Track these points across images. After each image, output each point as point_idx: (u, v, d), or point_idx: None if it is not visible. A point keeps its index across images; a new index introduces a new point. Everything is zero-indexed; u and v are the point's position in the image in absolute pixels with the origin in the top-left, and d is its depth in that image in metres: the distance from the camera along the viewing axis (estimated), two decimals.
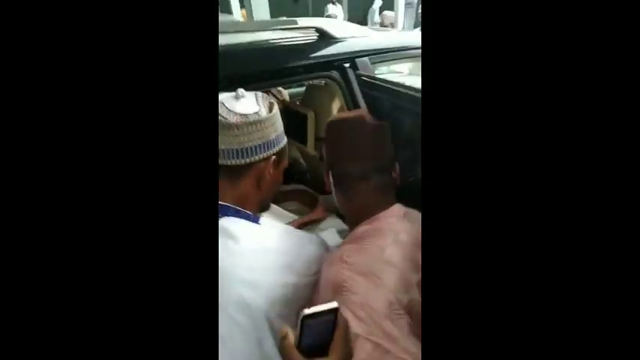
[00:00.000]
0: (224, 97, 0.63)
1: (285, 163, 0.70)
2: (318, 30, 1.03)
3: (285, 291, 0.61)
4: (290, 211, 1.19)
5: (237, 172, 0.63)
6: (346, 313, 0.51)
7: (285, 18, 1.15)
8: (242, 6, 5.75)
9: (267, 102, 0.65)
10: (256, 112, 0.61)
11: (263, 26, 1.16)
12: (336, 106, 1.13)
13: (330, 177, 0.73)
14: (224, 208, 0.63)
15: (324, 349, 0.40)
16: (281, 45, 0.96)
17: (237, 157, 0.61)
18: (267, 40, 0.96)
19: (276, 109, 0.65)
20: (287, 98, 1.92)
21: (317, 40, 1.01)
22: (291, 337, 0.39)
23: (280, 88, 2.01)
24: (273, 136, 0.64)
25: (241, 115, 0.60)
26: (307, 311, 0.37)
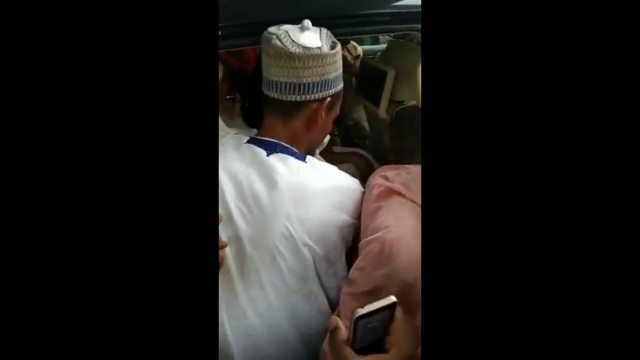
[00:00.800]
0: (288, 27, 0.61)
1: (337, 110, 0.67)
2: None
3: (329, 230, 0.60)
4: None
5: (289, 108, 0.61)
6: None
7: None
8: None
9: (331, 40, 0.62)
10: (319, 47, 0.58)
11: None
12: (420, 68, 1.01)
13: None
14: (272, 145, 0.62)
15: (380, 345, 0.37)
16: None
17: (294, 92, 0.59)
18: None
19: (338, 47, 0.61)
20: (361, 54, 1.79)
21: None
22: (343, 330, 0.36)
23: (354, 43, 1.88)
24: (332, 75, 0.61)
25: (304, 47, 0.58)
26: (362, 311, 0.34)
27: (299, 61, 0.57)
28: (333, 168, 0.68)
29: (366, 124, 1.48)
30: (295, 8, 0.78)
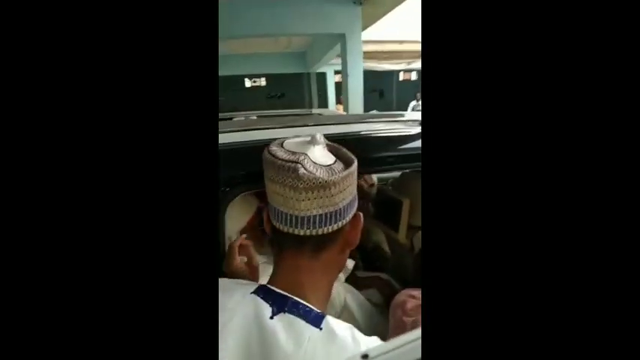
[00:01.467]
0: (297, 144, 0.51)
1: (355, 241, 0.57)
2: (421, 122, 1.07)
3: None
4: (369, 300, 1.10)
5: (323, 242, 0.50)
6: None
7: (387, 112, 1.23)
8: (338, 101, 6.51)
9: (350, 157, 0.53)
10: (349, 169, 0.49)
11: (373, 117, 1.26)
12: None
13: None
14: (280, 300, 0.48)
15: None
16: (382, 136, 1.01)
17: (331, 223, 0.48)
18: (374, 130, 1.02)
19: (352, 172, 0.52)
20: (375, 182, 1.95)
21: (419, 133, 1.05)
22: None
23: (371, 175, 2.08)
24: (356, 191, 0.53)
25: (330, 169, 0.48)
26: None
27: (335, 187, 0.47)
28: (353, 335, 0.47)
29: (386, 247, 1.50)
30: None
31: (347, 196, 0.49)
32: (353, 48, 3.39)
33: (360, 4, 3.26)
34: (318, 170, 0.47)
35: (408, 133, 1.03)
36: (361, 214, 0.54)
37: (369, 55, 6.08)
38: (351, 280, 0.95)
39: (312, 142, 0.51)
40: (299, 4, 3.25)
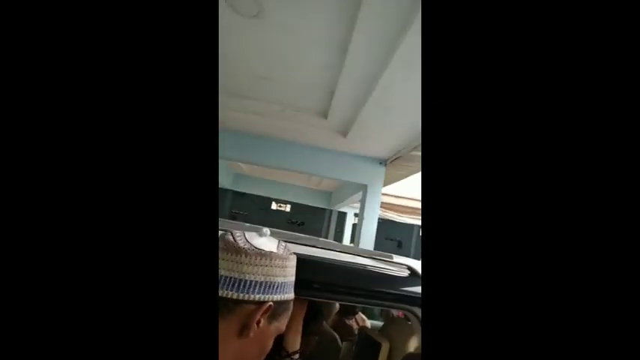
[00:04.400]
0: (248, 233, 0.58)
1: (282, 326, 0.58)
2: (409, 268, 1.17)
3: None
4: None
5: (224, 308, 0.50)
6: None
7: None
8: (352, 240, 6.70)
9: (286, 250, 0.59)
10: (270, 250, 0.55)
11: (364, 253, 1.38)
12: (413, 344, 1.08)
13: None
14: None
15: None
16: (374, 271, 1.11)
17: (232, 288, 0.50)
18: (364, 264, 1.13)
19: (293, 259, 0.58)
20: (368, 326, 1.88)
21: (407, 277, 1.13)
22: None
23: (363, 316, 2.02)
24: (279, 280, 0.55)
25: (255, 247, 0.54)
26: None
27: (245, 256, 0.52)
28: None
29: None
30: (318, 274, 0.93)
31: (257, 272, 0.52)
32: (372, 197, 3.79)
33: (384, 165, 3.82)
34: (243, 242, 0.54)
35: (393, 274, 1.12)
36: (273, 306, 0.53)
37: (390, 207, 6.57)
38: None
39: (259, 233, 0.59)
40: (336, 156, 3.88)
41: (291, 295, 0.60)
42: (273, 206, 9.70)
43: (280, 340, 0.87)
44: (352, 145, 3.44)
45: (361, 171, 3.78)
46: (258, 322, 0.53)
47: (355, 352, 1.28)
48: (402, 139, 3.00)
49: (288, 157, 3.74)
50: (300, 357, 0.88)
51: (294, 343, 0.86)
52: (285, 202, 9.54)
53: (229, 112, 2.90)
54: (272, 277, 0.54)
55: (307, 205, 8.21)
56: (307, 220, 9.28)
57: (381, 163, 3.79)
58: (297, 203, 8.50)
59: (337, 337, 1.55)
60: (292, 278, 0.61)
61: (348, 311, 1.86)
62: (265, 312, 0.53)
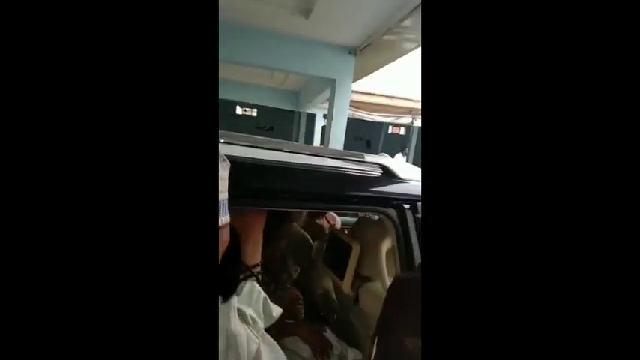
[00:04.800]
0: None
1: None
2: (382, 167, 1.03)
3: None
4: (291, 350, 0.96)
5: None
6: None
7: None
8: (322, 143, 6.62)
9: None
10: None
11: (333, 154, 1.22)
12: (385, 245, 1.02)
13: (375, 346, 0.55)
14: None
15: None
16: (345, 174, 0.96)
17: None
18: (334, 167, 0.97)
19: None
20: (338, 226, 1.87)
21: (380, 177, 1.01)
22: None
23: (334, 214, 2.00)
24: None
25: None
26: None
27: None
28: None
29: (334, 296, 1.38)
30: (282, 181, 0.82)
31: None
32: (341, 94, 3.49)
33: (355, 55, 3.42)
34: None
35: (364, 175, 0.98)
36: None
37: (359, 106, 6.32)
38: (276, 326, 0.83)
39: None
40: (298, 45, 3.37)
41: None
42: (239, 111, 9.12)
43: (238, 253, 0.78)
44: (316, 29, 2.95)
45: (328, 62, 3.37)
46: None
47: (325, 254, 1.23)
48: (374, 19, 2.57)
49: (242, 47, 3.21)
50: (262, 269, 0.79)
51: (254, 255, 0.78)
52: (251, 106, 8.95)
53: None
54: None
55: (275, 109, 7.76)
56: (276, 125, 8.92)
57: (350, 53, 3.37)
58: (263, 107, 8.00)
59: (308, 236, 1.52)
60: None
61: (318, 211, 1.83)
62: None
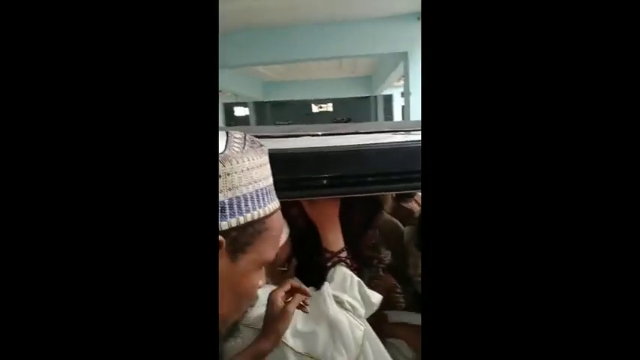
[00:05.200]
0: None
1: (265, 253, 0.38)
2: None
3: None
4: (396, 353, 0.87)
5: None
6: None
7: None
8: None
9: (252, 145, 0.39)
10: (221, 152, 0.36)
11: (408, 126, 1.10)
12: None
13: None
14: None
15: None
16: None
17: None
18: (408, 141, 0.86)
19: (260, 154, 0.37)
20: None
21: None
22: None
23: None
24: (229, 196, 0.34)
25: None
26: None
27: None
28: None
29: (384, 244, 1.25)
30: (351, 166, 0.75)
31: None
32: (416, 66, 3.22)
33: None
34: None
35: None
36: (228, 245, 0.34)
37: None
38: (378, 323, 0.76)
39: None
40: (360, 26, 3.24)
41: (267, 209, 0.38)
42: (314, 109, 9.36)
43: (319, 241, 0.76)
44: (376, 2, 2.76)
45: (395, 35, 3.14)
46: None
47: (419, 238, 1.12)
48: None
49: (309, 43, 3.22)
50: (348, 255, 0.75)
51: (336, 242, 0.76)
52: (326, 101, 9.08)
53: (225, 11, 2.42)
54: (222, 193, 0.34)
55: (349, 98, 7.70)
56: (352, 115, 8.84)
57: (418, 18, 3.06)
58: (338, 99, 8.02)
59: (398, 223, 1.42)
60: (262, 183, 0.38)
61: (405, 194, 1.70)
62: (225, 253, 0.35)
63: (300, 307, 0.60)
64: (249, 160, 0.35)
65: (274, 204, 0.38)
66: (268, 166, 0.38)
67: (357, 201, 0.76)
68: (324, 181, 0.70)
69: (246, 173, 0.35)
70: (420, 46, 3.19)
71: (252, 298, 0.40)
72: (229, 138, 0.38)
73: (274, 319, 0.57)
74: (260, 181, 0.37)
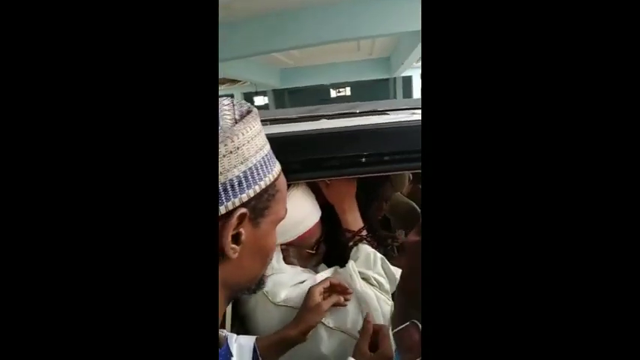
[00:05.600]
0: None
1: (280, 212, 0.40)
2: None
3: None
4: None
5: None
6: None
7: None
8: None
9: (240, 110, 0.38)
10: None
11: (393, 105, 1.07)
12: None
13: None
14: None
15: None
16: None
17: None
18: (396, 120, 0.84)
19: (250, 120, 0.36)
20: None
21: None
22: None
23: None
24: (242, 169, 0.35)
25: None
26: None
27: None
28: None
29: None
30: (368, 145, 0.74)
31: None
32: None
33: None
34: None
35: None
36: (248, 213, 0.36)
37: None
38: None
39: None
40: (377, 4, 3.14)
41: (274, 172, 0.39)
42: (332, 94, 9.24)
43: (338, 222, 0.78)
44: None
45: (414, 13, 3.02)
46: (238, 237, 0.35)
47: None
48: None
49: (322, 25, 3.16)
50: (367, 232, 0.78)
51: (355, 222, 0.77)
52: (344, 85, 8.93)
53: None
54: (226, 173, 0.34)
55: (367, 81, 7.52)
56: (372, 98, 8.67)
57: None
58: (357, 83, 7.86)
59: (415, 205, 1.41)
60: (266, 148, 0.39)
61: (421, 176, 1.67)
62: (237, 225, 0.35)
63: (337, 304, 0.64)
64: (251, 128, 0.36)
65: (277, 165, 0.40)
66: (263, 129, 0.39)
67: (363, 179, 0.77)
68: (363, 159, 0.70)
69: (252, 143, 0.36)
70: None
71: (273, 253, 0.43)
72: (234, 107, 0.39)
73: (308, 311, 0.62)
74: (264, 146, 0.38)
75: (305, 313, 0.63)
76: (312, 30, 3.22)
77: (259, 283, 0.43)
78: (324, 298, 0.64)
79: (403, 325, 0.44)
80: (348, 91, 9.23)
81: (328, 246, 0.83)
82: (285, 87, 7.42)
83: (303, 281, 0.69)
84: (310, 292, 0.63)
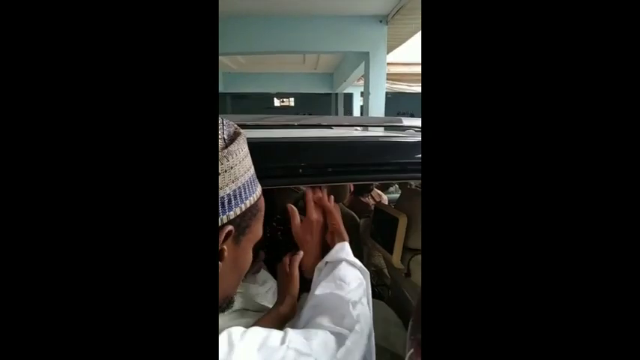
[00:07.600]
0: None
1: (258, 232, 0.42)
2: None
3: None
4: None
5: None
6: None
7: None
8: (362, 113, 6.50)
9: (228, 131, 0.39)
10: None
11: (369, 122, 1.17)
12: None
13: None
14: None
15: None
16: (385, 141, 0.90)
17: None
18: (373, 136, 0.92)
19: (239, 145, 0.37)
20: (385, 202, 1.81)
21: (418, 141, 0.93)
22: None
23: (379, 191, 1.94)
24: (232, 188, 0.36)
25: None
26: None
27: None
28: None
29: (387, 272, 1.34)
30: (317, 157, 0.79)
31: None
32: (376, 67, 3.34)
33: (386, 23, 3.23)
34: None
35: (406, 140, 0.91)
36: (233, 231, 0.37)
37: (397, 78, 6.02)
38: None
39: None
40: (325, 23, 3.27)
41: (257, 193, 0.41)
42: (276, 103, 9.24)
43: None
44: (341, 2, 2.83)
45: (358, 35, 3.23)
46: (221, 254, 0.37)
47: (373, 229, 1.19)
48: None
49: (272, 35, 3.19)
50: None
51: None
52: (288, 96, 9.01)
53: None
54: (219, 191, 0.36)
55: (311, 94, 7.71)
56: (314, 112, 8.89)
57: (381, 22, 3.18)
58: (300, 94, 7.99)
59: (354, 214, 1.49)
60: (252, 169, 0.40)
61: (362, 189, 1.79)
62: (222, 242, 0.36)
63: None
64: (242, 150, 0.38)
65: (259, 186, 0.42)
66: (245, 158, 0.40)
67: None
68: (300, 170, 0.74)
69: (242, 163, 0.38)
70: (381, 48, 3.31)
71: (246, 272, 0.44)
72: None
73: (285, 284, 0.67)
74: (250, 167, 0.40)
75: (284, 287, 0.66)
76: (260, 38, 3.21)
77: (229, 302, 0.43)
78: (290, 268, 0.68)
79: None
80: (292, 102, 9.32)
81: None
82: (228, 91, 7.20)
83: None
84: (279, 269, 0.67)
